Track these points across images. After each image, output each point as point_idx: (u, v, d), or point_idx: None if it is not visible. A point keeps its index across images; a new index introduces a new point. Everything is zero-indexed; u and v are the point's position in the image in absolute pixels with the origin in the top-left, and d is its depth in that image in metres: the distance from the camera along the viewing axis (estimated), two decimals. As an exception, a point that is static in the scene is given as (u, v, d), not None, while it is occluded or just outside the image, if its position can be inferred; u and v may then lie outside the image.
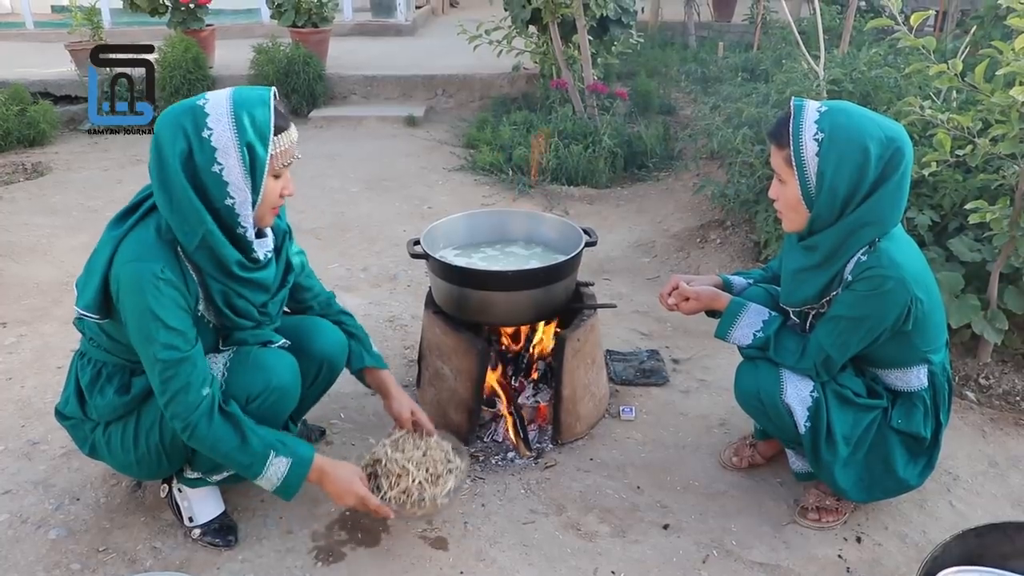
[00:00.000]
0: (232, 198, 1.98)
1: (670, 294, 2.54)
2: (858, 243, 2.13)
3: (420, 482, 2.34)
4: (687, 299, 2.50)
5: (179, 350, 1.99)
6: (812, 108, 2.11)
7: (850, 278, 2.16)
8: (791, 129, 2.11)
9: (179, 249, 2.02)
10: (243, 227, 2.03)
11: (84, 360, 2.25)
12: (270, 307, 2.26)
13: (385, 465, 2.37)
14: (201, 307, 2.10)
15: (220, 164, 1.94)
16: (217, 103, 1.95)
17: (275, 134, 2.00)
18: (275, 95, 2.04)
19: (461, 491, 2.54)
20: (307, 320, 2.50)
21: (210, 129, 1.92)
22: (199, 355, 2.04)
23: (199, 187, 1.95)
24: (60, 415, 2.33)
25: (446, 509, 2.46)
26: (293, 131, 2.08)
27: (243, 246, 2.07)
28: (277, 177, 2.07)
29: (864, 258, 2.14)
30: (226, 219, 2.01)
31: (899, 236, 2.19)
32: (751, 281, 2.63)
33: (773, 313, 2.41)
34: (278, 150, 2.02)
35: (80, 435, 2.31)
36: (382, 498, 2.30)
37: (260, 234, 2.17)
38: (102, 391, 2.18)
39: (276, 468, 2.10)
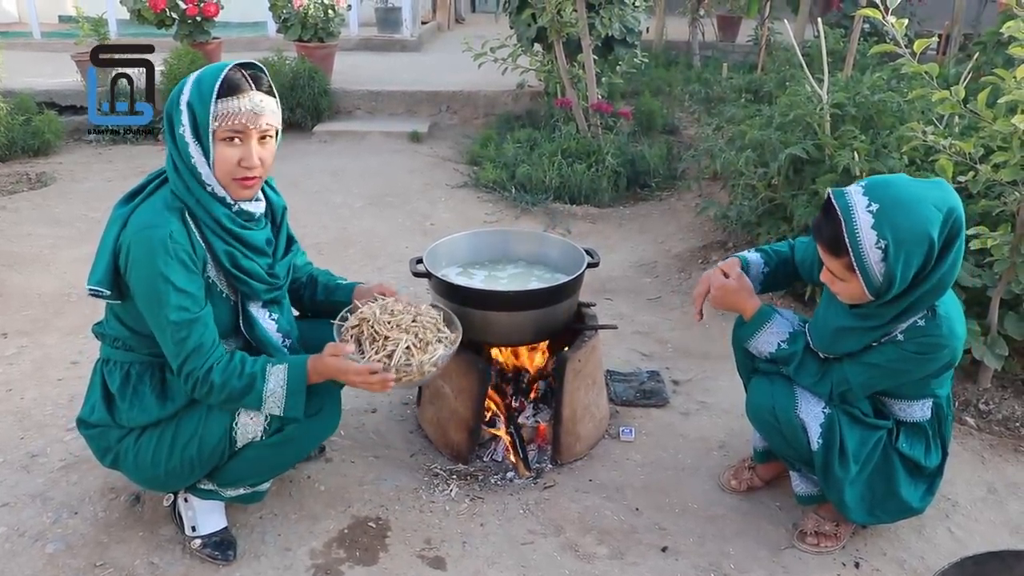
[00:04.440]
0: (192, 157, 2.05)
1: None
2: (919, 310, 2.11)
3: (408, 347, 2.20)
4: (726, 275, 2.43)
5: (190, 311, 2.04)
6: (861, 209, 1.99)
7: (901, 337, 2.15)
8: (847, 241, 1.99)
9: (186, 215, 2.08)
10: (208, 184, 2.09)
11: (110, 366, 2.25)
12: (277, 269, 2.30)
13: (372, 326, 2.23)
14: (211, 273, 2.14)
15: (183, 125, 2.04)
16: (197, 73, 2.08)
17: (220, 96, 2.01)
18: (256, 65, 2.11)
19: (448, 361, 2.32)
20: (327, 324, 2.54)
21: (183, 95, 2.05)
22: (209, 316, 2.10)
23: (178, 147, 2.06)
24: (84, 424, 2.30)
25: (433, 375, 2.28)
26: (247, 99, 2.05)
27: (223, 203, 2.13)
28: (230, 142, 2.06)
29: (922, 322, 2.12)
30: (196, 179, 2.08)
31: (949, 295, 2.16)
32: (766, 269, 2.55)
33: (797, 326, 2.40)
34: (220, 112, 2.02)
35: (102, 445, 2.28)
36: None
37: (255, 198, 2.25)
38: (137, 393, 2.19)
39: (276, 376, 2.11)
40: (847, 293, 2.13)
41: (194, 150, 2.04)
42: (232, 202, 2.14)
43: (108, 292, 2.07)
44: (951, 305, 2.15)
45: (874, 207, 1.98)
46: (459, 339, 2.36)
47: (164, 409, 2.18)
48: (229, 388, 2.07)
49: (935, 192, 2.02)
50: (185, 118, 2.03)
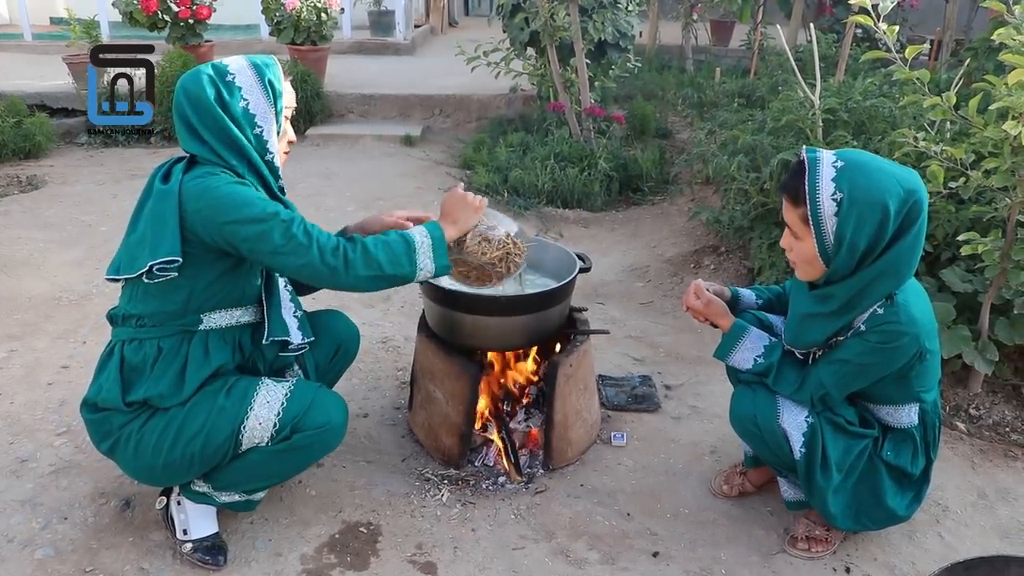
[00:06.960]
0: (260, 127, 2.21)
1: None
2: (876, 295, 2.13)
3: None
4: (698, 297, 2.50)
5: (293, 210, 2.18)
6: (827, 163, 2.06)
7: (863, 328, 2.16)
8: (807, 188, 2.06)
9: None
10: (271, 152, 2.25)
11: (135, 344, 2.22)
12: None
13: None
14: None
15: (246, 100, 2.19)
16: (231, 59, 2.23)
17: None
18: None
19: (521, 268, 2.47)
20: (322, 312, 2.74)
21: (232, 74, 2.18)
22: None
23: (234, 121, 2.18)
24: (90, 406, 2.26)
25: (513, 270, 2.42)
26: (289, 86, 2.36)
27: (274, 172, 2.28)
28: (287, 120, 2.33)
29: (881, 311, 2.13)
30: (257, 148, 2.22)
31: (912, 286, 2.19)
32: (759, 302, 2.64)
33: (773, 339, 2.42)
34: (287, 92, 2.31)
35: (104, 429, 2.24)
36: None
37: None
38: (167, 363, 2.19)
39: (416, 231, 2.22)
40: (802, 256, 2.17)
41: (265, 120, 2.21)
42: (280, 176, 2.31)
43: (177, 261, 2.07)
44: (912, 294, 2.17)
45: (839, 164, 2.06)
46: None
47: (181, 389, 2.18)
48: (382, 245, 2.14)
49: (903, 172, 2.08)
50: (260, 92, 2.19)
